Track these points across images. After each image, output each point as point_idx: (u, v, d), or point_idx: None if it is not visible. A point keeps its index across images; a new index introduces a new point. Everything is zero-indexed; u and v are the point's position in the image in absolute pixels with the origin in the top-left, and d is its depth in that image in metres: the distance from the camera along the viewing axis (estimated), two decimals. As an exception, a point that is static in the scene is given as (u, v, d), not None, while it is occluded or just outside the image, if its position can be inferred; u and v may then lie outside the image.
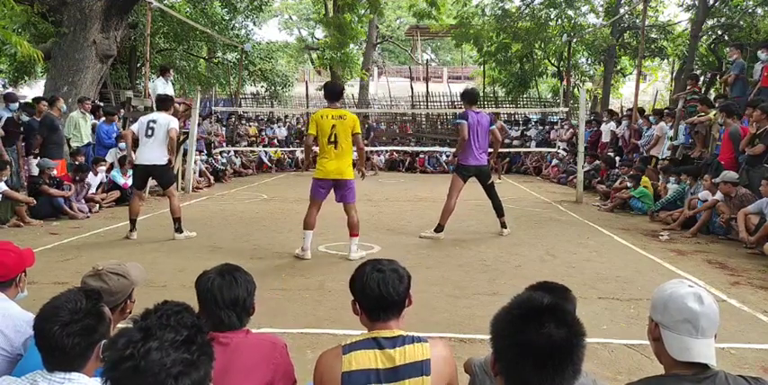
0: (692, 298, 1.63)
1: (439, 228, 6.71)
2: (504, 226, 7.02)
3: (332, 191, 5.69)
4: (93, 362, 1.70)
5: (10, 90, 15.60)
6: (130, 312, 2.19)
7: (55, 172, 8.04)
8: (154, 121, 6.43)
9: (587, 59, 23.49)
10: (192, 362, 1.21)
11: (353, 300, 1.94)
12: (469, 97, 6.78)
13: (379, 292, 1.85)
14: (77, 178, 8.26)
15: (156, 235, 6.65)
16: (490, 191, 6.89)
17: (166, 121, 6.45)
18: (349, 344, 1.83)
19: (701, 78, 15.44)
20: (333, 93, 5.70)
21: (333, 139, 5.49)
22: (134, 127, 6.58)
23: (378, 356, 1.79)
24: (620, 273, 5.17)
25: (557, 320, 1.31)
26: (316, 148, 5.90)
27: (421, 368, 1.78)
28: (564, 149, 14.52)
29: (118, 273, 2.14)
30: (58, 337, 1.61)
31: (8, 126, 8.36)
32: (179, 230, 6.49)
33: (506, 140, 17.50)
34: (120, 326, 1.73)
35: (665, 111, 11.14)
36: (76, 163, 8.62)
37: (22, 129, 8.78)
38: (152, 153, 6.39)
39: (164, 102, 6.71)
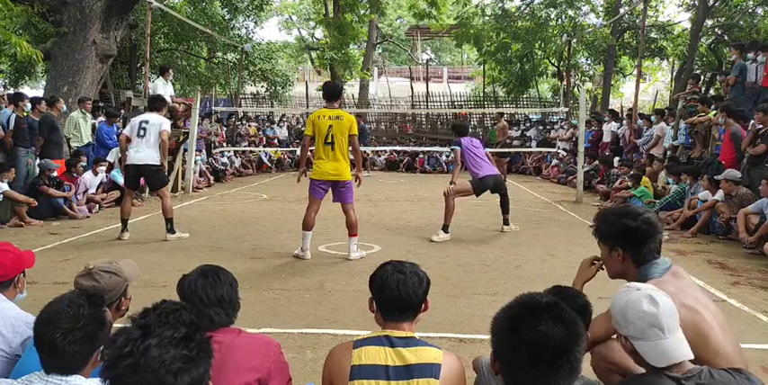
0: (646, 301, 1.62)
1: (446, 229, 6.72)
2: (506, 222, 7.15)
3: (330, 191, 5.67)
4: (91, 365, 1.70)
5: (10, 90, 15.57)
6: (126, 309, 2.19)
7: (55, 173, 8.03)
8: (146, 122, 6.38)
9: (587, 59, 23.50)
10: (192, 359, 1.21)
11: (371, 298, 1.97)
12: (459, 130, 7.26)
13: (397, 293, 1.88)
14: (74, 172, 8.27)
15: (156, 235, 6.64)
16: (505, 195, 7.10)
17: (158, 122, 6.40)
18: (360, 340, 1.87)
19: (701, 78, 15.44)
20: (332, 92, 5.64)
21: (329, 140, 5.45)
22: (126, 129, 6.54)
23: (388, 353, 1.81)
24: (620, 273, 5.16)
25: (554, 319, 1.30)
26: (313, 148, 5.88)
27: (432, 370, 1.78)
28: (564, 149, 14.52)
29: (109, 271, 2.14)
30: (59, 344, 1.62)
31: (19, 125, 8.24)
32: (171, 231, 6.45)
33: (506, 140, 17.54)
34: (118, 325, 1.73)
35: (666, 111, 11.14)
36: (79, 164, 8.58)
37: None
38: (143, 153, 6.33)
39: (156, 103, 6.67)
